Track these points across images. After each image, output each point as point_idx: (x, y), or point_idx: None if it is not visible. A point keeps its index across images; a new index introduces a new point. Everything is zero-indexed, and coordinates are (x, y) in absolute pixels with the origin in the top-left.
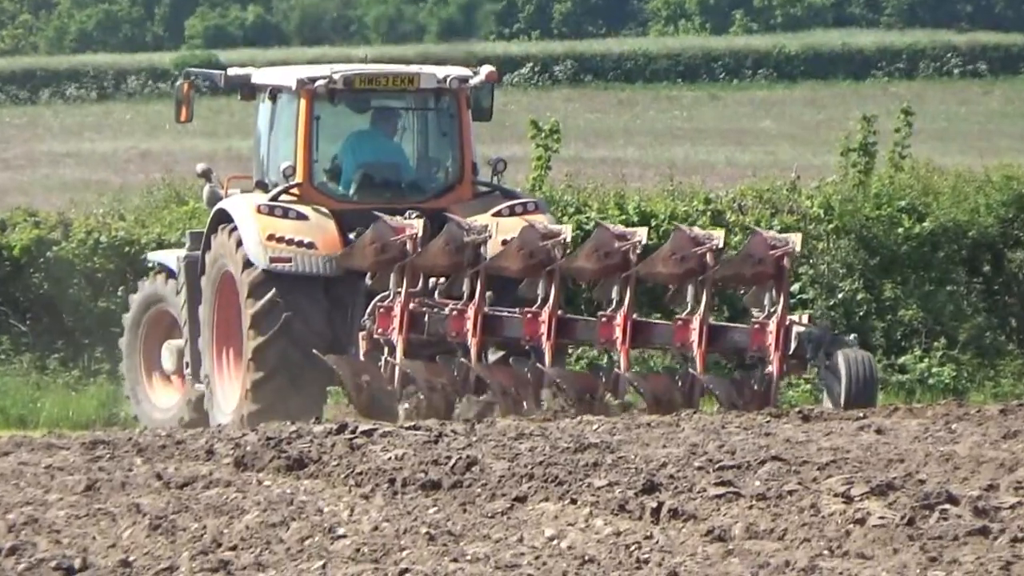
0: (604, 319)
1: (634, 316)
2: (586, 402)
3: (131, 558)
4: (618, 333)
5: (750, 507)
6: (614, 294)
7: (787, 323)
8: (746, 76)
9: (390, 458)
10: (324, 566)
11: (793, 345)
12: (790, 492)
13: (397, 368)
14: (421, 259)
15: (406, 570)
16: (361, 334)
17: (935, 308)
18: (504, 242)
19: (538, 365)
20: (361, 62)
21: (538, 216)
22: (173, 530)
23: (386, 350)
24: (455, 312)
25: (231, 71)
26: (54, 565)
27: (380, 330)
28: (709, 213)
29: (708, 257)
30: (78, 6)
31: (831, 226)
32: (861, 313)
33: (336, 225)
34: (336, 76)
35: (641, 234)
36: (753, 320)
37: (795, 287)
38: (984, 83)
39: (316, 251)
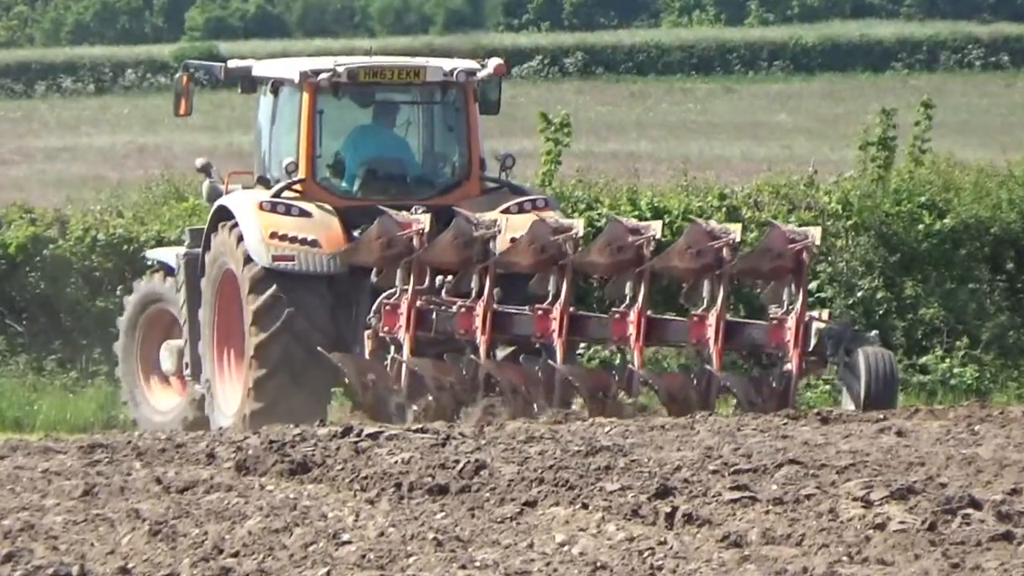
0: (617, 315)
1: (648, 313)
2: (599, 400)
3: (130, 565)
4: (632, 330)
5: (767, 512)
6: (627, 290)
7: (806, 319)
8: (762, 68)
9: (396, 462)
10: (328, 573)
11: (813, 342)
12: (808, 496)
13: (404, 366)
14: (428, 254)
15: None
16: (366, 333)
17: (957, 307)
18: (513, 240)
19: (549, 362)
20: (365, 54)
21: (548, 213)
22: (173, 536)
23: (392, 349)
24: (463, 309)
25: (231, 63)
26: (51, 572)
27: (386, 328)
28: (724, 209)
29: (725, 251)
30: None
31: (849, 223)
32: (881, 312)
33: (340, 222)
34: (340, 69)
35: (655, 228)
36: (771, 316)
37: (813, 285)
38: (1007, 75)
39: (320, 249)
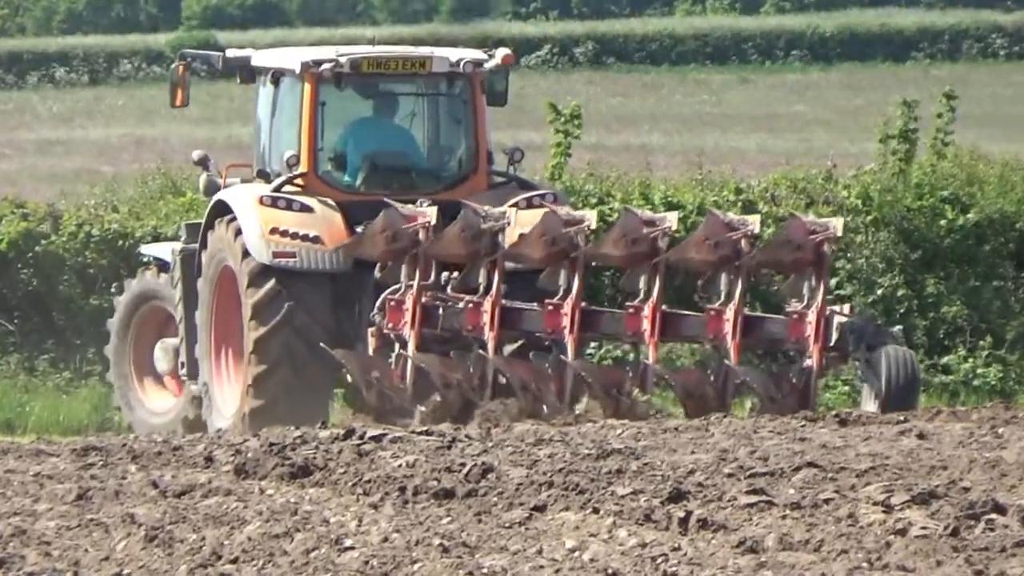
0: (631, 310)
1: (663, 307)
2: (612, 398)
3: (125, 572)
4: (646, 325)
5: (784, 517)
6: (641, 284)
7: (827, 313)
8: (778, 58)
9: (400, 465)
10: None
11: (834, 337)
12: (826, 501)
13: (409, 364)
14: (435, 247)
15: None
16: (370, 330)
17: (980, 305)
18: (521, 236)
19: (561, 357)
20: (368, 44)
21: (557, 208)
22: (170, 542)
23: (396, 346)
24: (471, 305)
25: (229, 53)
26: None
27: (391, 325)
28: (740, 203)
29: (743, 243)
30: None
31: (870, 218)
32: (902, 310)
33: (342, 218)
34: (343, 59)
35: (671, 219)
36: (791, 310)
37: (832, 282)
38: None
39: (322, 246)
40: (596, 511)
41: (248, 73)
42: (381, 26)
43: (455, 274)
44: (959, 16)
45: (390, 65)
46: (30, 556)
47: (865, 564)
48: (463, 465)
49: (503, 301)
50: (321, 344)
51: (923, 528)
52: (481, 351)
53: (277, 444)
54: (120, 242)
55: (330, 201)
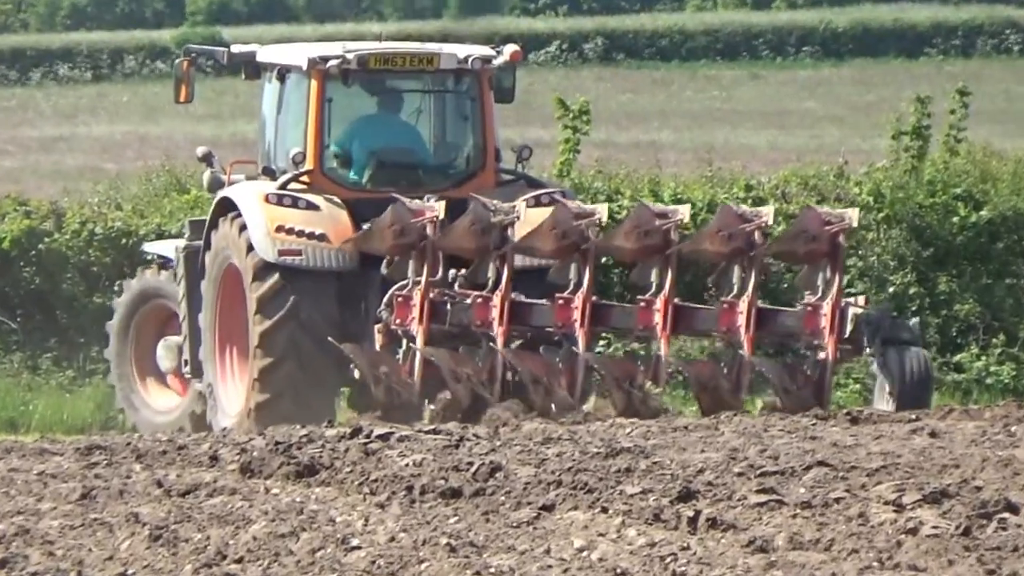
0: (643, 304)
1: (675, 300)
2: (625, 391)
3: (130, 571)
4: (658, 318)
5: (794, 516)
6: (653, 277)
7: (842, 305)
8: (790, 54)
9: (407, 464)
10: None
11: (849, 328)
12: (837, 500)
13: (417, 359)
14: (444, 240)
15: None
16: (377, 327)
17: (993, 303)
18: (532, 230)
19: (573, 349)
20: (375, 39)
21: None
22: (175, 541)
23: (403, 343)
24: (480, 300)
25: (234, 48)
26: None
27: (398, 321)
28: (750, 200)
29: (756, 235)
30: None
31: (881, 215)
32: (914, 308)
33: (349, 215)
34: (350, 55)
35: (683, 212)
36: (805, 302)
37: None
38: None
39: (328, 244)
40: (605, 510)
41: (253, 69)
42: (388, 22)
43: (462, 271)
44: (973, 12)
45: (397, 61)
46: (33, 556)
47: (876, 564)
48: (471, 464)
49: (512, 295)
50: (329, 339)
51: (934, 527)
52: (491, 344)
53: (283, 443)
54: (124, 240)
55: (336, 199)
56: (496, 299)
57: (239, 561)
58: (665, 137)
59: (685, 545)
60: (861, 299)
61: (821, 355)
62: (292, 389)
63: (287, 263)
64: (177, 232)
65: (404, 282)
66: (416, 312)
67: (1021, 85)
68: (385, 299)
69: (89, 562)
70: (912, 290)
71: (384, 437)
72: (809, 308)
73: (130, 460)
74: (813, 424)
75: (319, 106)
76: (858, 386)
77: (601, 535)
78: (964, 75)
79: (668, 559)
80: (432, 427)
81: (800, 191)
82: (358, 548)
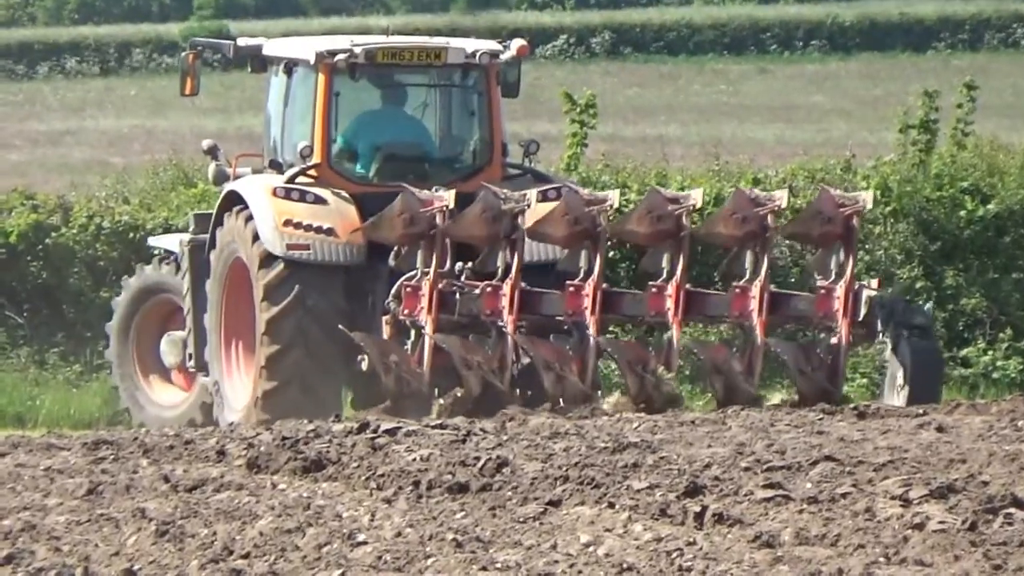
0: (654, 290)
1: (687, 286)
2: (637, 375)
3: (136, 567)
4: (670, 304)
5: (800, 511)
6: (664, 263)
7: (856, 288)
8: (797, 48)
9: (414, 459)
10: (343, 575)
11: (863, 311)
12: (843, 495)
13: (427, 347)
14: (455, 228)
15: None
16: (384, 318)
17: (1000, 297)
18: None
19: (587, 333)
20: (382, 34)
21: None
22: (181, 537)
23: (412, 334)
24: (489, 288)
25: (240, 41)
26: (54, 575)
27: (406, 311)
28: None
29: (770, 218)
30: None
31: (888, 209)
32: (921, 302)
33: (356, 209)
34: (357, 50)
35: (695, 196)
36: (819, 286)
37: None
38: None
39: (336, 238)
40: (611, 505)
41: (259, 62)
42: (396, 15)
43: (468, 264)
44: (980, 5)
45: (405, 56)
46: (40, 551)
47: (882, 559)
48: (478, 459)
49: (522, 284)
50: (340, 327)
51: (941, 522)
52: (503, 330)
53: (290, 438)
54: (131, 234)
55: (344, 193)
56: (506, 287)
57: (246, 556)
58: (672, 131)
59: (691, 540)
60: (874, 282)
61: (834, 339)
62: (299, 377)
63: (295, 257)
64: (184, 226)
65: (413, 272)
66: (425, 302)
67: None
68: (393, 290)
69: (95, 558)
70: (919, 284)
71: (391, 432)
72: (822, 291)
73: (137, 455)
74: (820, 419)
75: (326, 100)
76: (865, 380)
77: (608, 530)
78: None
79: (674, 554)
80: (439, 422)
81: (807, 185)
82: (364, 543)
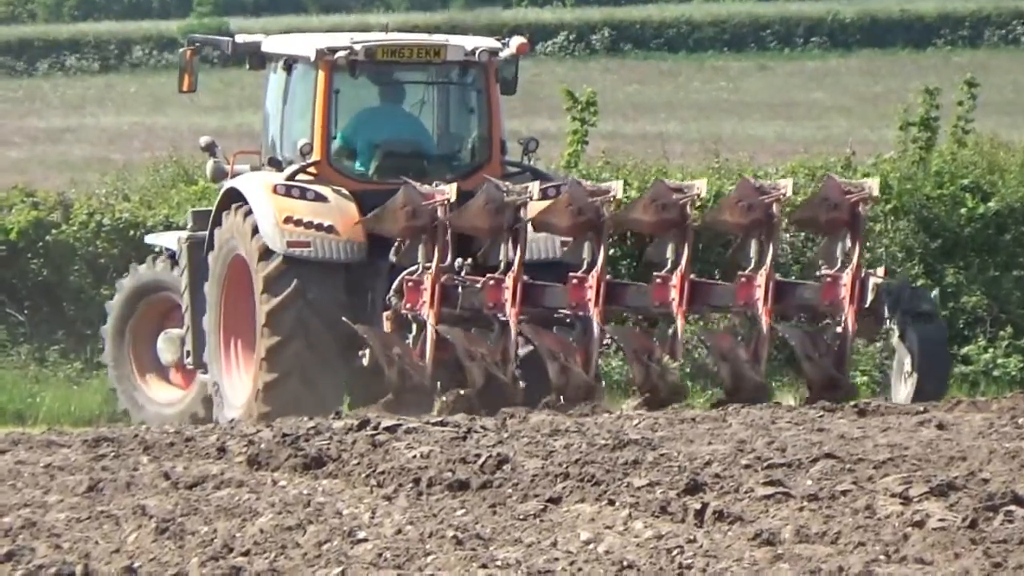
0: (659, 280)
1: (692, 276)
2: (643, 364)
3: (136, 564)
4: (675, 294)
5: (801, 508)
6: (668, 253)
7: (862, 275)
8: (797, 45)
9: (415, 456)
10: (343, 572)
11: (869, 298)
12: (844, 492)
13: (429, 340)
14: (458, 219)
15: None
16: (385, 314)
17: (1001, 295)
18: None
19: (593, 324)
20: (381, 31)
21: None
22: (181, 534)
23: (414, 327)
24: (492, 281)
25: (239, 38)
26: (54, 572)
27: (408, 305)
28: None
29: (775, 207)
30: None
31: (889, 206)
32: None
33: (356, 207)
34: (357, 47)
35: (700, 186)
36: (824, 273)
37: None
38: None
39: (336, 235)
40: (612, 503)
41: (258, 59)
42: (395, 13)
43: (468, 261)
44: (980, 2)
45: (405, 53)
46: (40, 548)
47: (882, 556)
48: (478, 456)
49: (524, 277)
50: (344, 319)
51: (941, 520)
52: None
53: (290, 435)
54: (131, 231)
55: (344, 190)
56: (508, 280)
57: (246, 554)
58: (672, 128)
59: (692, 538)
60: (880, 270)
61: (839, 329)
62: (299, 368)
63: (295, 255)
64: (182, 224)
65: (414, 267)
66: (427, 296)
67: None
68: (395, 285)
69: (96, 555)
70: (919, 282)
71: (391, 429)
72: (828, 279)
73: (137, 452)
74: (820, 416)
75: (326, 97)
76: (866, 378)
77: (608, 527)
78: (972, 66)
79: (675, 551)
80: (439, 419)
81: (807, 182)
82: (365, 540)
